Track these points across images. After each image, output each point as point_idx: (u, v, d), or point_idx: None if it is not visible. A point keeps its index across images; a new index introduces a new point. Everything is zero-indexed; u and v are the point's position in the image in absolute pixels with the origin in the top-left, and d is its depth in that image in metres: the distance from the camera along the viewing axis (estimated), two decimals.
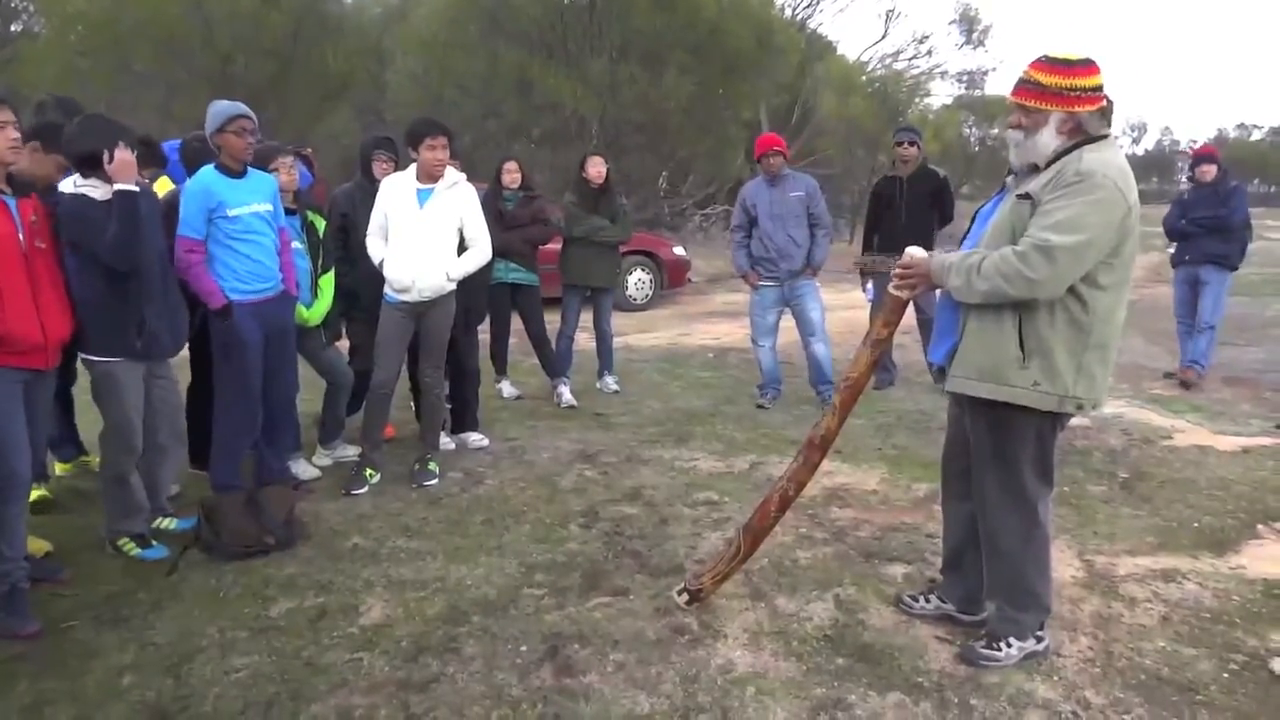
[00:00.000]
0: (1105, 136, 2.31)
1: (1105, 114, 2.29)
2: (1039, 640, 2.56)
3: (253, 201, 3.56)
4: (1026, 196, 2.30)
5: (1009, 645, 2.52)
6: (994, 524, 2.52)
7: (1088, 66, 2.26)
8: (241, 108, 3.55)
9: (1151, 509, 3.80)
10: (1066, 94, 2.24)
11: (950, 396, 2.62)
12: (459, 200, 4.04)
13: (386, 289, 4.03)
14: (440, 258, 3.99)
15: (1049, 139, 2.30)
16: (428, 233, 3.95)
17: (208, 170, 3.53)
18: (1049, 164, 2.31)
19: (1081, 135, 2.28)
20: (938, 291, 2.56)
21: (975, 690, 2.42)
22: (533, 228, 5.52)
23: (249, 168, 3.60)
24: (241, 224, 3.51)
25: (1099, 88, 2.26)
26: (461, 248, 4.12)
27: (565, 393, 5.66)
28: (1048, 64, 2.28)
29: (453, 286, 4.07)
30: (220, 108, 3.54)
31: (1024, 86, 2.31)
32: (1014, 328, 2.31)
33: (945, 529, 2.86)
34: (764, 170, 5.48)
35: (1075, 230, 2.17)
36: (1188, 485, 4.07)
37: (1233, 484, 4.10)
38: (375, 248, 4.05)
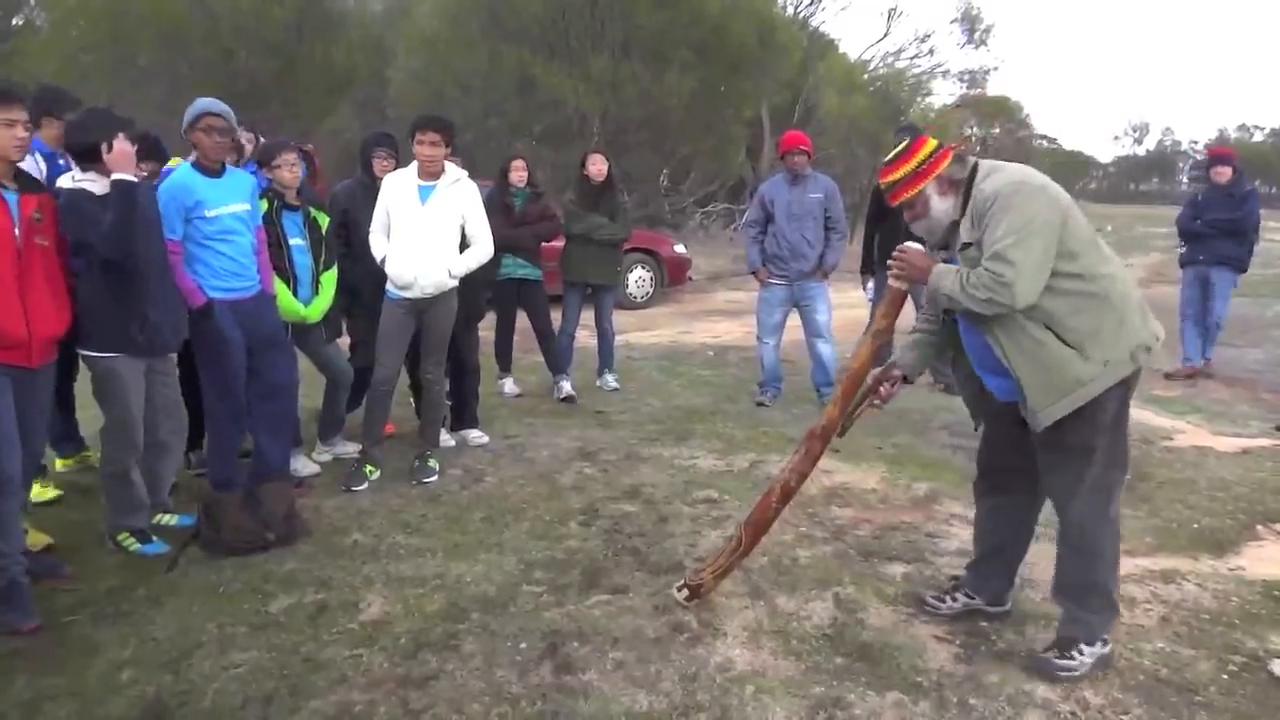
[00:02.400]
0: (976, 167, 2.46)
1: (962, 156, 2.50)
2: (1105, 644, 2.54)
3: (231, 202, 3.51)
4: (967, 245, 2.43)
5: (1081, 653, 2.48)
6: (1072, 516, 2.49)
7: (914, 145, 2.52)
8: (214, 105, 3.48)
9: (1151, 509, 3.80)
10: (918, 172, 2.48)
11: (978, 394, 2.67)
12: (461, 197, 4.04)
13: (388, 286, 4.03)
14: (442, 254, 3.99)
15: (941, 205, 2.49)
16: (429, 229, 3.95)
17: (184, 169, 3.49)
18: (964, 214, 2.45)
19: (959, 184, 2.46)
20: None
21: (974, 690, 2.43)
22: (541, 224, 5.54)
23: (228, 166, 3.57)
24: (219, 224, 3.47)
25: (937, 148, 2.50)
26: (464, 245, 4.12)
27: (565, 385, 5.68)
28: (888, 166, 2.54)
29: (455, 283, 4.07)
30: (194, 105, 3.49)
31: (890, 192, 2.54)
32: (1051, 336, 2.35)
33: (980, 524, 2.86)
34: (787, 168, 5.45)
35: (1013, 230, 2.30)
36: (1187, 486, 4.08)
37: (1232, 485, 4.10)
38: (378, 245, 4.05)
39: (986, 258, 2.32)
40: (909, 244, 2.57)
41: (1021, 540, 2.80)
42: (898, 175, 2.51)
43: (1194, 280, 6.55)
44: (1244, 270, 6.52)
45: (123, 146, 2.95)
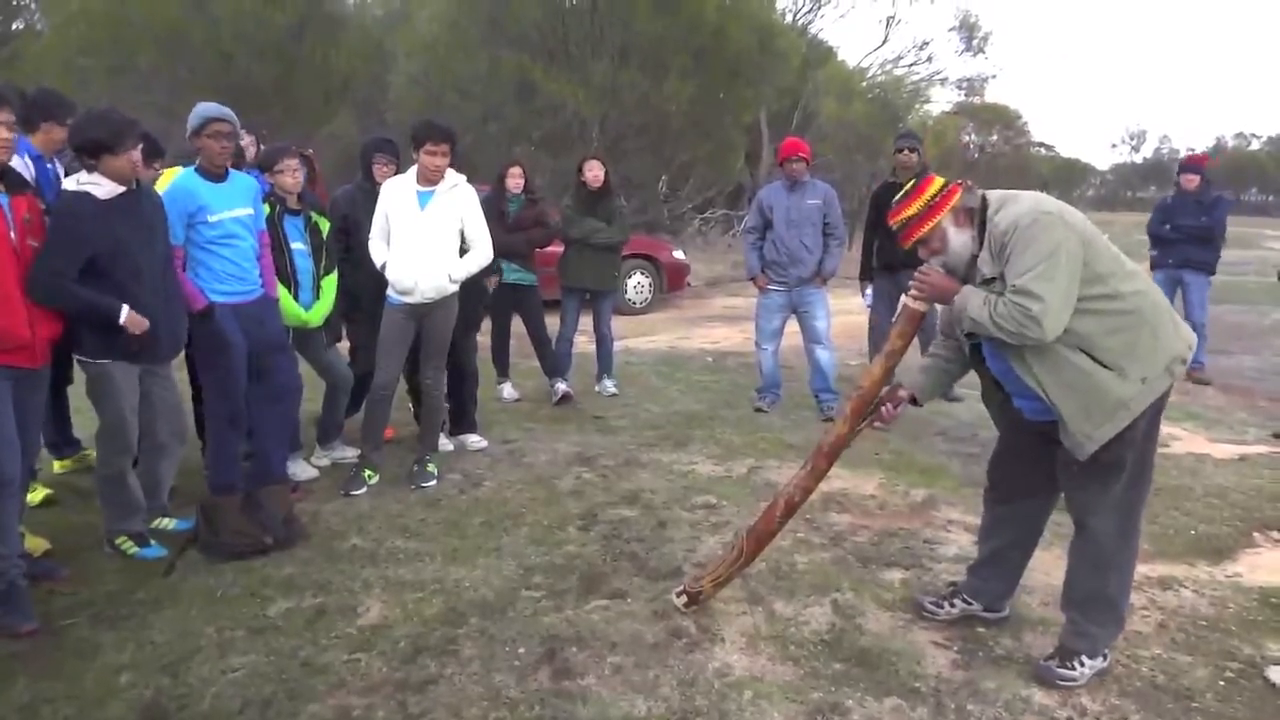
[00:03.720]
0: (986, 198, 2.45)
1: (970, 188, 2.50)
2: (1104, 657, 2.54)
3: (235, 206, 3.52)
4: (990, 280, 2.40)
5: (1082, 664, 2.48)
6: (1092, 530, 2.47)
7: (921, 183, 2.54)
8: (220, 110, 3.50)
9: (1148, 516, 3.77)
10: (931, 206, 2.47)
11: (1002, 405, 2.65)
12: (459, 202, 4.06)
13: (389, 291, 4.04)
14: (442, 259, 4.00)
15: (959, 238, 2.47)
16: (429, 235, 3.96)
17: (188, 174, 3.50)
18: (982, 248, 2.43)
19: (973, 215, 2.45)
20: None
21: (972, 696, 2.43)
22: (534, 230, 5.57)
23: (231, 171, 3.59)
24: (222, 229, 3.48)
25: (944, 185, 2.51)
26: (464, 250, 4.14)
27: (560, 385, 5.70)
28: (898, 206, 2.54)
29: (455, 288, 4.08)
30: (198, 110, 3.50)
31: (904, 231, 2.53)
32: (1087, 358, 2.32)
33: (986, 529, 2.85)
34: (786, 174, 5.47)
35: (1037, 261, 2.27)
36: (1184, 493, 4.08)
37: (1229, 492, 4.11)
38: (378, 250, 4.06)
39: (1011, 291, 2.28)
40: (930, 265, 2.53)
41: (1026, 549, 2.80)
42: (909, 212, 2.50)
43: (1164, 282, 6.70)
44: (1213, 273, 6.74)
45: (138, 320, 3.02)
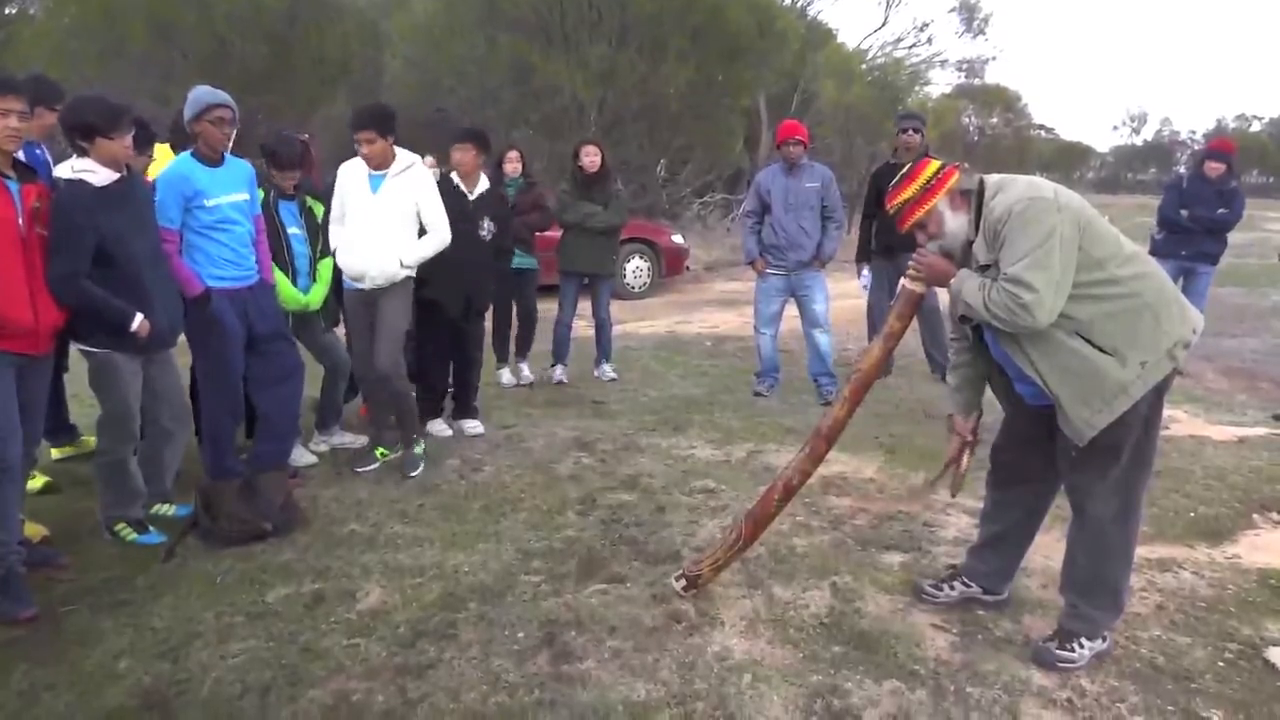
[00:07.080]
0: (983, 183, 2.43)
1: (967, 170, 2.55)
2: (1104, 639, 2.54)
3: (230, 191, 3.50)
4: (985, 266, 2.39)
5: (1081, 646, 2.48)
6: (1090, 513, 2.47)
7: (917, 166, 2.55)
8: (220, 96, 3.47)
9: (1148, 498, 3.79)
10: (927, 188, 2.48)
11: (1005, 389, 2.65)
12: (413, 185, 3.94)
13: (345, 277, 4.01)
14: (394, 244, 3.91)
15: (954, 220, 2.47)
16: (381, 219, 3.89)
17: (185, 159, 3.47)
18: (977, 233, 2.42)
19: (969, 198, 2.45)
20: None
21: (971, 678, 2.43)
22: (533, 214, 5.55)
23: (227, 156, 3.55)
24: (218, 214, 3.46)
25: (940, 168, 2.51)
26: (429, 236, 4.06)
27: (557, 371, 5.73)
28: (895, 188, 2.55)
29: (407, 274, 3.98)
30: (199, 95, 3.46)
31: (900, 214, 2.53)
32: (1084, 344, 2.30)
33: (987, 512, 2.85)
34: (783, 158, 5.44)
35: (1030, 249, 2.25)
36: (1184, 475, 4.08)
37: (1229, 474, 4.11)
38: (335, 235, 4.02)
39: (1004, 279, 2.27)
40: (928, 249, 2.52)
41: (1027, 533, 2.80)
42: (905, 195, 2.49)
43: (1174, 273, 6.38)
44: (1216, 264, 6.53)
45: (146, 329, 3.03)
